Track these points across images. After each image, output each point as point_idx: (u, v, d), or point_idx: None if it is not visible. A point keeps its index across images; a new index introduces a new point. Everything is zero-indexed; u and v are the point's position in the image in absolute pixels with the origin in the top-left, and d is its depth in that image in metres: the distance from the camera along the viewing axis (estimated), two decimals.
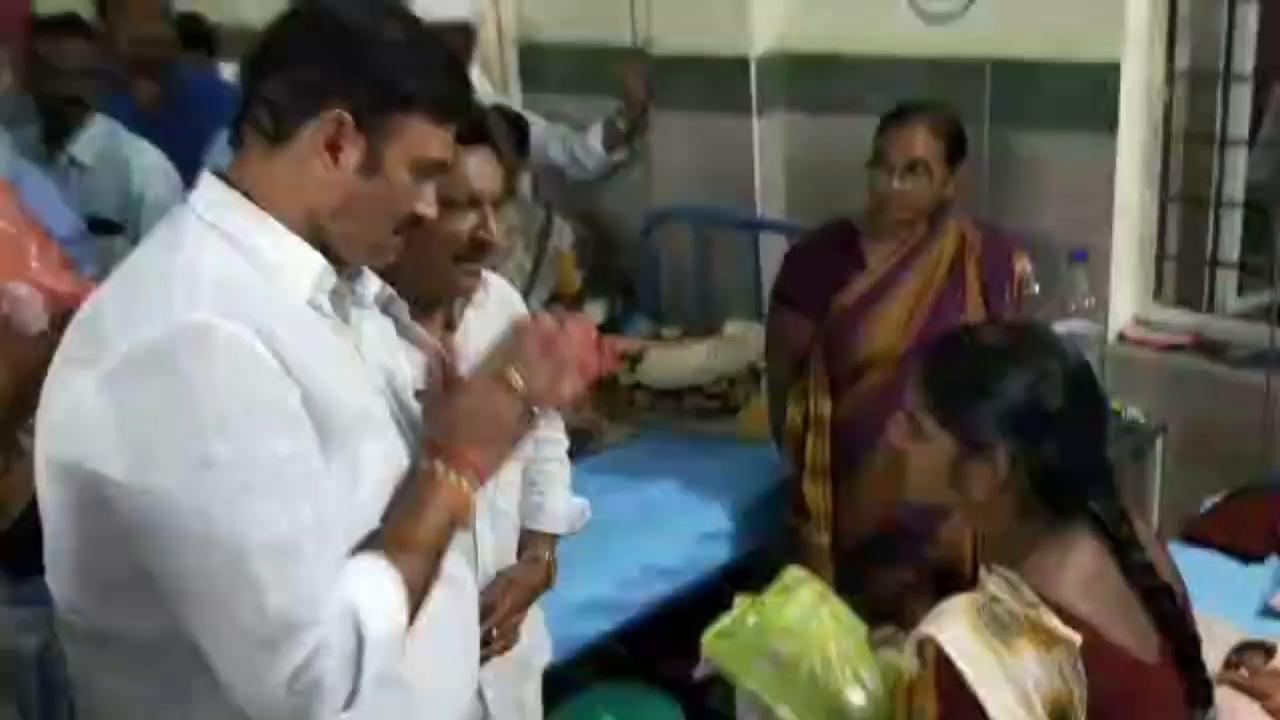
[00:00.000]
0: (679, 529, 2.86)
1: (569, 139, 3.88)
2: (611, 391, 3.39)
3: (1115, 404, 3.09)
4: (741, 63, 3.52)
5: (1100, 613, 1.40)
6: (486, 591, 1.89)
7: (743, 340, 3.30)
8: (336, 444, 1.28)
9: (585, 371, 1.44)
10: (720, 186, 3.68)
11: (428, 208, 1.37)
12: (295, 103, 1.28)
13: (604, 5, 3.87)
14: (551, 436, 2.21)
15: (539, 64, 4.29)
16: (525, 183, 3.85)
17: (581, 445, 3.21)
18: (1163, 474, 3.09)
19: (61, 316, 1.77)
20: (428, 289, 1.84)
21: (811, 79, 3.50)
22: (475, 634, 1.59)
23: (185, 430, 1.18)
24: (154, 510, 1.19)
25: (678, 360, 3.36)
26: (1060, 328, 3.03)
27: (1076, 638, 1.35)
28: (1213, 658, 2.11)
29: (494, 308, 1.97)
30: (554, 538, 2.16)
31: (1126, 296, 3.14)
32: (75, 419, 1.22)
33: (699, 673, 1.80)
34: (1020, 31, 3.01)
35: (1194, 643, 1.53)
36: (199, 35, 4.11)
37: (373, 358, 1.43)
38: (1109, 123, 2.92)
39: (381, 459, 1.36)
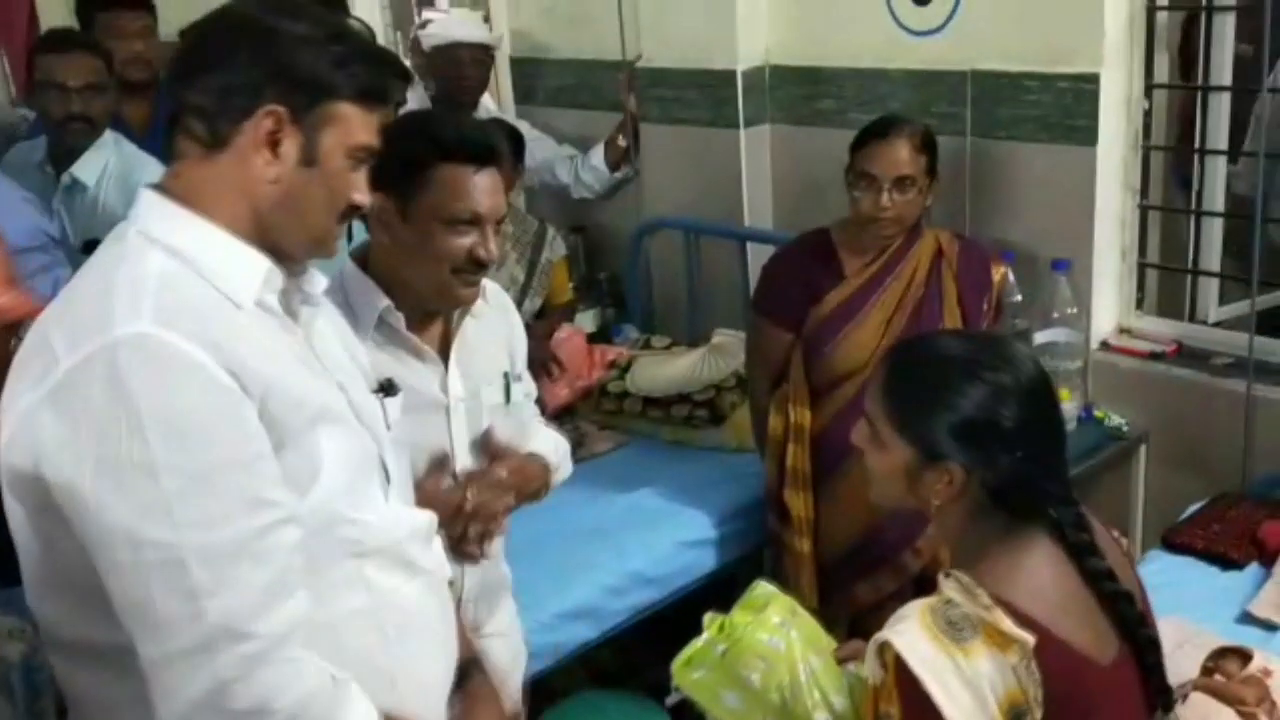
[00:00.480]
0: (667, 536, 2.88)
1: (576, 160, 3.94)
2: (601, 399, 3.43)
3: (1098, 412, 3.13)
4: (728, 76, 3.56)
5: (1054, 615, 1.42)
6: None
7: (730, 349, 3.33)
8: (292, 441, 1.32)
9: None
10: (709, 198, 3.71)
11: (362, 195, 1.41)
12: (227, 106, 1.32)
13: (594, 21, 3.92)
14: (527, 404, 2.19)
15: (531, 78, 4.33)
16: (520, 195, 3.89)
17: (570, 453, 3.25)
18: (1145, 481, 3.12)
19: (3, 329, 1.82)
20: (426, 300, 1.89)
21: (797, 91, 3.54)
22: (454, 627, 1.62)
23: (125, 437, 1.20)
24: (97, 516, 1.22)
25: (666, 369, 3.39)
26: (1042, 337, 3.07)
27: (1030, 638, 1.38)
28: (1191, 663, 2.15)
29: (492, 315, 2.02)
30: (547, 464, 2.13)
31: (1109, 305, 3.16)
32: (27, 434, 1.25)
33: (670, 700, 1.83)
34: (1001, 43, 3.04)
35: (1154, 647, 1.54)
36: None
37: (327, 353, 1.47)
38: (1089, 133, 2.94)
39: (341, 451, 1.39)
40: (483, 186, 1.83)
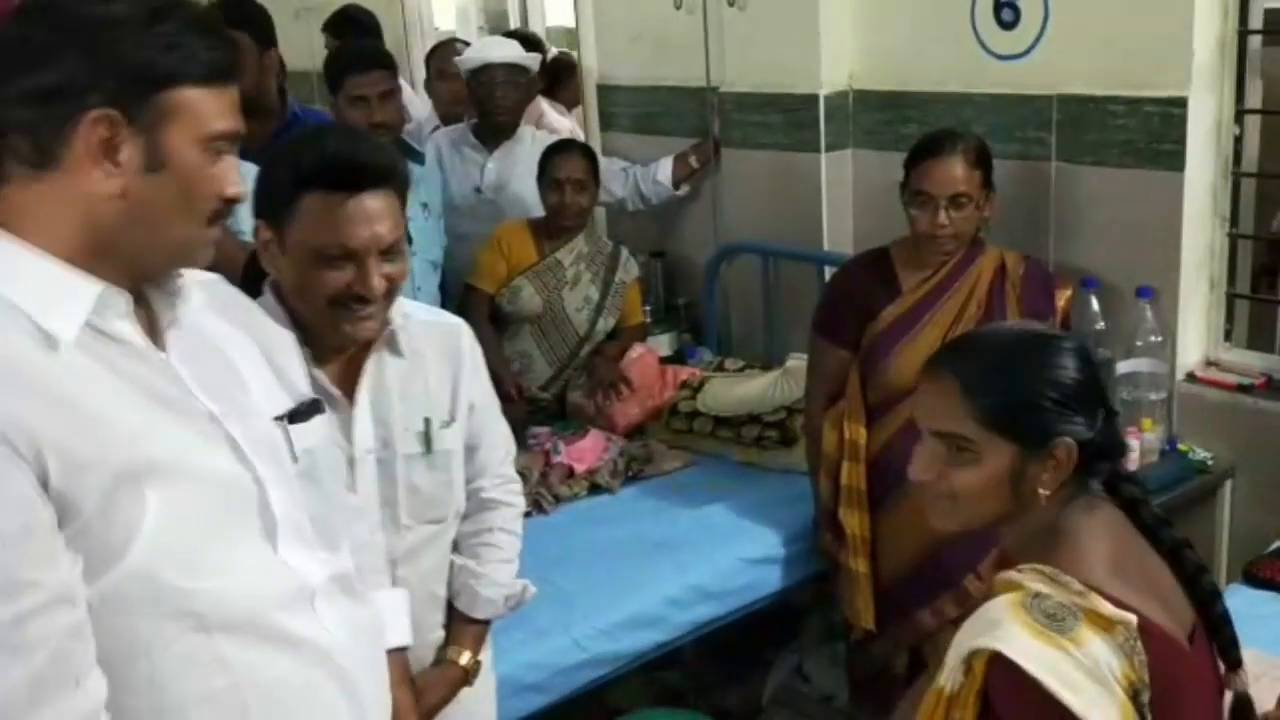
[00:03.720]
0: (732, 552, 2.85)
1: (631, 170, 3.97)
2: (671, 418, 3.42)
3: (1182, 445, 3.04)
4: (811, 100, 3.56)
5: (1135, 595, 1.37)
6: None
7: (804, 373, 3.30)
8: (95, 505, 1.13)
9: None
10: (788, 222, 3.70)
11: (234, 187, 1.23)
12: (49, 116, 1.14)
13: (679, 48, 3.94)
14: (505, 500, 1.97)
15: (615, 105, 4.37)
16: (598, 215, 3.92)
17: (639, 470, 3.25)
18: (1230, 517, 3.02)
19: None
20: (324, 336, 1.73)
21: (880, 116, 3.52)
22: (365, 701, 1.38)
23: None
24: None
25: (738, 389, 3.38)
26: (1125, 366, 3.00)
27: (1132, 618, 1.32)
28: (1269, 695, 2.07)
29: (428, 353, 1.83)
30: (484, 627, 1.94)
31: (1196, 336, 3.07)
32: None
33: None
34: (1087, 67, 3.00)
35: (1217, 597, 1.48)
36: None
37: (204, 379, 1.27)
38: (1177, 159, 2.87)
39: (180, 508, 1.19)
40: (353, 216, 1.63)
